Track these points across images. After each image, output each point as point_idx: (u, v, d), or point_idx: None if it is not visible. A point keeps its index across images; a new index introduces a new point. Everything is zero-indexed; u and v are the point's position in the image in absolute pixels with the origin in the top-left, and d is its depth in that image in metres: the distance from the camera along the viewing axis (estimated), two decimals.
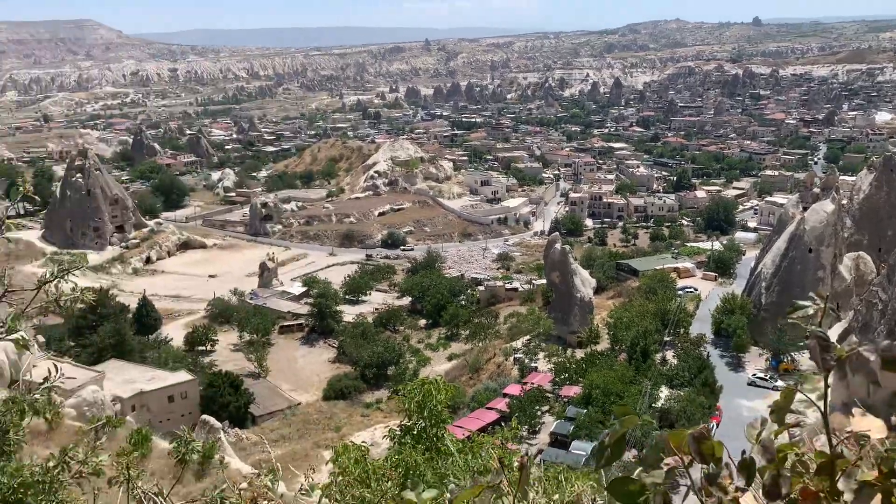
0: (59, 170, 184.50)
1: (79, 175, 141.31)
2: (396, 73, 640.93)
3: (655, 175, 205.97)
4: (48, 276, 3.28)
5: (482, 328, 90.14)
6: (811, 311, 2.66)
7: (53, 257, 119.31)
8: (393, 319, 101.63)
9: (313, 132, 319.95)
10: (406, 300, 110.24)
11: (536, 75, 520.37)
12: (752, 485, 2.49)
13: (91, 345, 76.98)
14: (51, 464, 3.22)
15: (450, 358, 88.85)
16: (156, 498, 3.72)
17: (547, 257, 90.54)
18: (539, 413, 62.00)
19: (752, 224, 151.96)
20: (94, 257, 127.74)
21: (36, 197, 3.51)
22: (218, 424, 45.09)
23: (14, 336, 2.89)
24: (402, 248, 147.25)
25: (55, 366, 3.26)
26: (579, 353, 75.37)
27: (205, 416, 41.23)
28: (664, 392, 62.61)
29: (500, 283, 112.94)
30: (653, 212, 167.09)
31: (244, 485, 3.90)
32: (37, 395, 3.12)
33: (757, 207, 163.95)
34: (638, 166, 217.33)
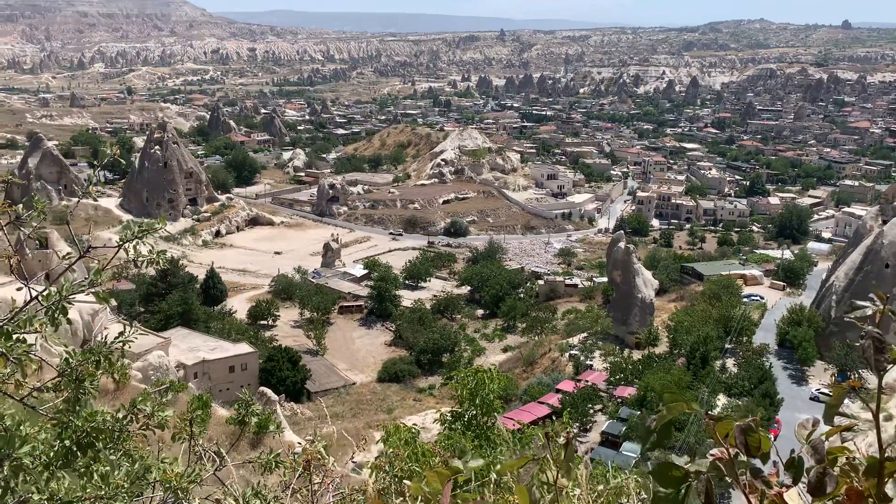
0: (140, 141, 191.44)
1: (157, 147, 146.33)
2: (469, 62, 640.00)
3: (728, 178, 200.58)
4: (129, 235, 3.48)
5: (539, 322, 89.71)
6: (869, 312, 2.61)
7: (129, 224, 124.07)
8: (450, 307, 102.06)
9: (383, 117, 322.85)
10: (465, 289, 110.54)
11: (611, 70, 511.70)
12: (799, 484, 2.47)
13: (159, 312, 79.92)
14: (120, 414, 3.42)
15: (505, 350, 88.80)
16: (215, 456, 3.91)
17: (610, 255, 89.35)
18: (591, 411, 61.44)
19: (826, 234, 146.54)
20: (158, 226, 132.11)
21: (122, 161, 3.72)
22: (275, 397, 46.33)
23: (96, 289, 3.09)
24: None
25: (130, 323, 3.46)
26: (636, 355, 74.24)
27: (262, 388, 42.53)
28: (721, 400, 61.20)
29: (560, 279, 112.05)
30: (722, 216, 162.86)
31: (299, 449, 4.04)
32: (114, 347, 3.32)
33: (833, 218, 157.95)
34: (710, 168, 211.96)
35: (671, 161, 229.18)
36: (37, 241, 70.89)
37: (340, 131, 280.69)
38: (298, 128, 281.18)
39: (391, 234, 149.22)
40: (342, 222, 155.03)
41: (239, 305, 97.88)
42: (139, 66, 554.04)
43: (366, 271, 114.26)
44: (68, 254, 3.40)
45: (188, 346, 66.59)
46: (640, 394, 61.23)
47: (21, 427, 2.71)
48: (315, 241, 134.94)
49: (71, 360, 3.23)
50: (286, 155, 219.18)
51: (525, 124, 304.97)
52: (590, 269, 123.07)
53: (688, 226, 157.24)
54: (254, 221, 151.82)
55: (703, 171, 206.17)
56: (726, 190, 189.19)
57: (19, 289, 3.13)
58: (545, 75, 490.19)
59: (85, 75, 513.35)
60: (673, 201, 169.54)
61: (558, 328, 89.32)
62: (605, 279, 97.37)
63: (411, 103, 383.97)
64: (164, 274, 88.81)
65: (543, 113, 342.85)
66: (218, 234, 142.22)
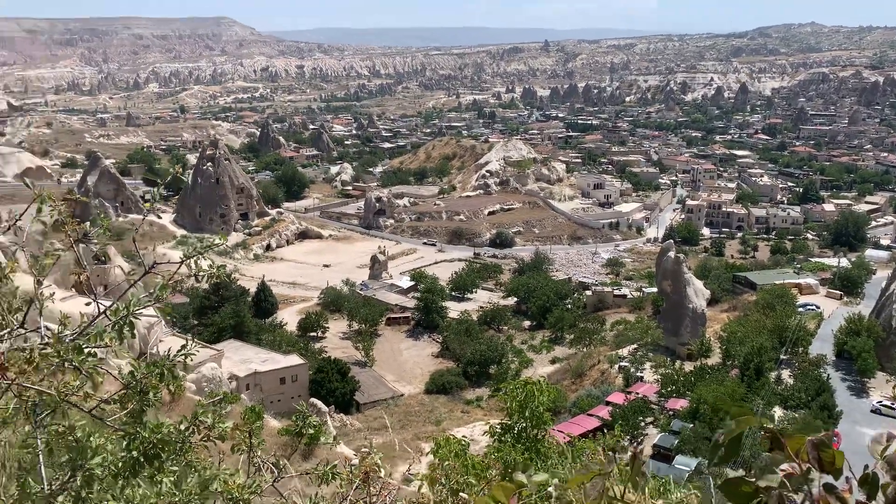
0: (192, 158, 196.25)
1: (209, 164, 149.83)
2: (513, 73, 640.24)
3: (780, 185, 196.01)
4: (191, 251, 3.57)
5: (587, 333, 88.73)
6: None
7: (183, 240, 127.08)
8: (497, 319, 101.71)
9: (429, 130, 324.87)
10: (511, 300, 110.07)
11: (657, 78, 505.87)
12: (873, 501, 2.40)
13: (212, 324, 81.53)
14: (183, 426, 3.50)
15: (553, 361, 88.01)
16: (273, 467, 3.98)
17: (659, 265, 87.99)
18: (642, 424, 60.42)
19: (885, 241, 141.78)
20: (217, 242, 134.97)
21: (183, 178, 3.82)
22: (325, 408, 46.87)
23: (160, 304, 3.20)
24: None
25: (190, 337, 3.56)
26: (688, 366, 72.82)
27: (313, 400, 43.05)
28: (777, 413, 59.53)
29: (608, 289, 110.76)
30: (775, 224, 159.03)
31: (355, 461, 4.08)
32: (175, 361, 3.41)
33: (892, 224, 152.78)
34: (762, 175, 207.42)
35: (721, 168, 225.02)
36: (94, 256, 73.08)
37: (386, 145, 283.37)
38: (346, 142, 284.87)
39: (424, 242, 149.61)
40: (389, 234, 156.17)
41: (289, 318, 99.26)
42: (191, 86, 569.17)
43: (412, 283, 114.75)
44: (132, 270, 3.52)
45: (240, 358, 67.73)
46: (692, 406, 59.98)
47: (91, 438, 2.81)
48: (362, 253, 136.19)
49: (136, 372, 3.32)
50: (334, 169, 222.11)
51: (570, 134, 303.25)
52: (639, 279, 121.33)
53: (739, 234, 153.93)
54: (303, 235, 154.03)
55: (754, 179, 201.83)
56: (779, 197, 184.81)
57: (88, 304, 3.24)
58: (590, 84, 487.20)
59: (140, 95, 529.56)
60: (724, 209, 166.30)
61: (607, 339, 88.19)
62: (654, 289, 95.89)
63: (456, 116, 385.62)
64: (216, 287, 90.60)
65: (589, 122, 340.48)
66: (268, 247, 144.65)
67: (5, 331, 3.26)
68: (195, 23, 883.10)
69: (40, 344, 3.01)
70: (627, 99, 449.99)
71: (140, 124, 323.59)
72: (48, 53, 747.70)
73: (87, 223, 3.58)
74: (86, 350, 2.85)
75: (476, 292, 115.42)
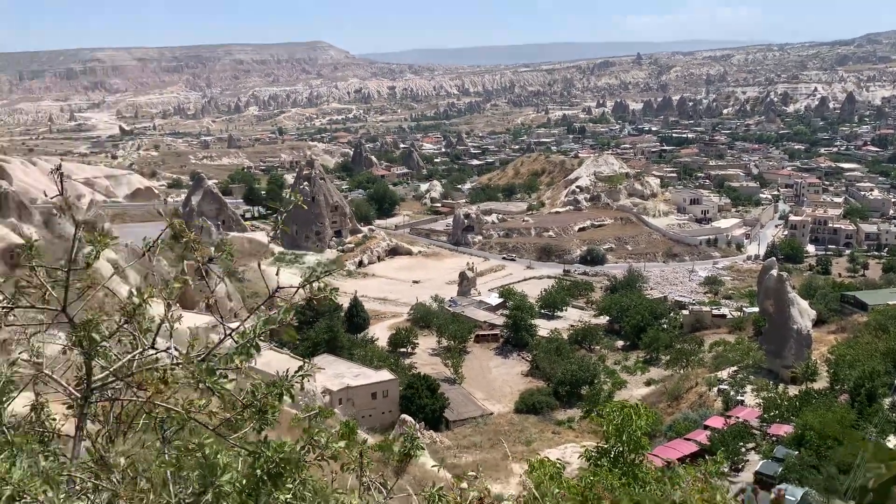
0: (289, 178, 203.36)
1: (305, 183, 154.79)
2: (604, 87, 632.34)
3: (892, 200, 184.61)
4: (311, 275, 3.69)
5: (684, 354, 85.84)
6: None
7: (280, 257, 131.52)
8: (589, 338, 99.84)
9: (517, 147, 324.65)
10: (603, 319, 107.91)
11: (757, 89, 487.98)
12: None
13: (307, 339, 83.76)
14: (299, 445, 3.60)
15: (647, 383, 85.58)
16: (382, 487, 4.03)
17: (761, 284, 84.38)
18: (743, 450, 57.80)
19: None
20: (313, 259, 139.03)
21: (304, 206, 3.97)
22: (415, 424, 47.20)
23: (285, 326, 3.33)
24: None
25: (309, 358, 3.67)
26: (792, 390, 69.26)
27: (404, 416, 43.44)
28: (892, 442, 55.69)
29: (706, 309, 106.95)
30: (888, 240, 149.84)
31: (464, 484, 4.09)
32: (294, 381, 3.52)
33: None
34: (871, 189, 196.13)
35: (826, 182, 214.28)
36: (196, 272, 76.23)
37: (475, 162, 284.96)
38: (435, 160, 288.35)
39: (512, 258, 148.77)
40: (477, 251, 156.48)
41: (380, 333, 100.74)
42: (289, 108, 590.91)
43: (501, 300, 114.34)
44: (255, 293, 3.66)
45: (334, 373, 69.19)
46: (797, 432, 56.91)
47: (218, 456, 2.93)
48: (451, 269, 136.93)
49: (257, 392, 3.45)
50: (423, 187, 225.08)
51: (664, 148, 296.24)
52: (739, 298, 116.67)
53: (848, 251, 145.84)
54: (393, 251, 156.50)
55: (863, 193, 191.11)
56: (891, 212, 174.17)
57: (214, 325, 3.40)
58: (685, 97, 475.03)
59: (241, 118, 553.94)
60: (830, 225, 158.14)
61: (705, 361, 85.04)
62: (755, 309, 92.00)
63: (545, 132, 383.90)
64: (310, 302, 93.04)
65: (684, 136, 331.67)
66: (361, 263, 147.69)
67: (137, 351, 3.45)
68: (292, 47, 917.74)
69: (172, 364, 3.18)
70: (725, 111, 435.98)
71: (241, 146, 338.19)
72: (157, 80, 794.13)
73: (213, 248, 3.76)
74: (218, 372, 2.99)
75: (566, 310, 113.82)
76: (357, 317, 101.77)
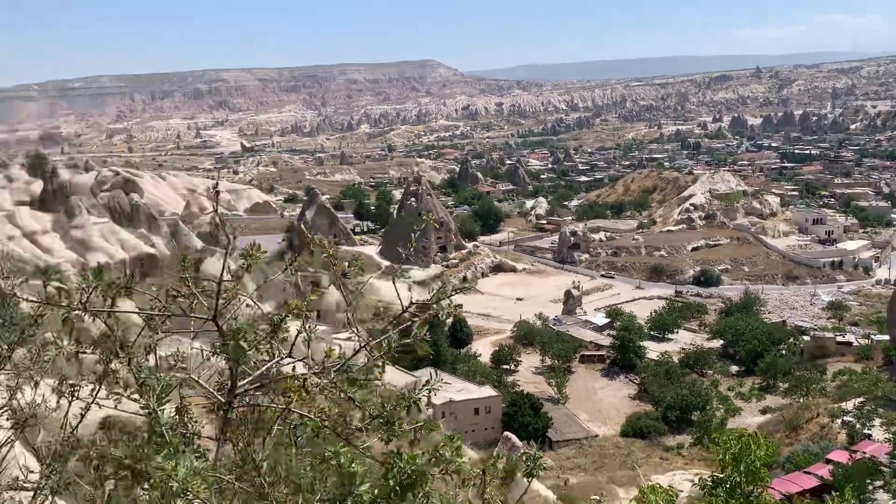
0: (397, 194, 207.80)
1: (412, 199, 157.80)
2: (721, 102, 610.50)
3: None
4: (443, 292, 3.76)
5: (805, 383, 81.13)
6: None
7: (387, 271, 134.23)
8: (701, 362, 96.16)
9: (627, 163, 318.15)
10: (717, 343, 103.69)
11: (889, 103, 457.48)
12: None
13: (412, 352, 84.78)
14: (423, 459, 3.65)
15: (763, 411, 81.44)
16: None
17: (891, 310, 78.68)
18: (871, 488, 53.80)
19: None
20: (418, 273, 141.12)
21: (437, 225, 4.06)
22: (519, 443, 46.88)
23: (419, 341, 3.41)
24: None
25: (435, 371, 3.73)
26: None
27: (507, 434, 43.25)
28: None
29: (829, 335, 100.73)
30: None
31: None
32: (422, 395, 3.59)
33: None
34: None
35: None
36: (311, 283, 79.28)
37: (583, 178, 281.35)
38: (541, 176, 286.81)
39: (619, 277, 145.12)
40: (583, 269, 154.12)
41: (483, 349, 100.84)
42: (398, 126, 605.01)
43: (608, 320, 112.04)
44: (387, 307, 3.76)
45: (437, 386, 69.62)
46: None
47: (353, 465, 3.03)
48: (556, 287, 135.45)
49: (386, 403, 3.54)
50: (529, 203, 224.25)
51: (785, 165, 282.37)
52: (866, 325, 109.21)
53: None
54: (497, 268, 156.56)
55: None
56: None
57: (348, 338, 3.52)
58: (808, 112, 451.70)
59: (353, 136, 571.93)
60: None
61: (828, 391, 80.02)
62: (885, 337, 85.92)
63: (657, 147, 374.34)
64: (414, 315, 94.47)
65: (807, 152, 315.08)
66: (464, 279, 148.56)
67: (275, 359, 3.62)
68: (403, 66, 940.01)
69: (311, 373, 3.33)
70: (852, 126, 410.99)
71: (352, 162, 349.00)
72: (276, 99, 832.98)
73: (346, 263, 3.89)
74: (358, 382, 3.10)
75: (677, 333, 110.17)
76: (460, 332, 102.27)
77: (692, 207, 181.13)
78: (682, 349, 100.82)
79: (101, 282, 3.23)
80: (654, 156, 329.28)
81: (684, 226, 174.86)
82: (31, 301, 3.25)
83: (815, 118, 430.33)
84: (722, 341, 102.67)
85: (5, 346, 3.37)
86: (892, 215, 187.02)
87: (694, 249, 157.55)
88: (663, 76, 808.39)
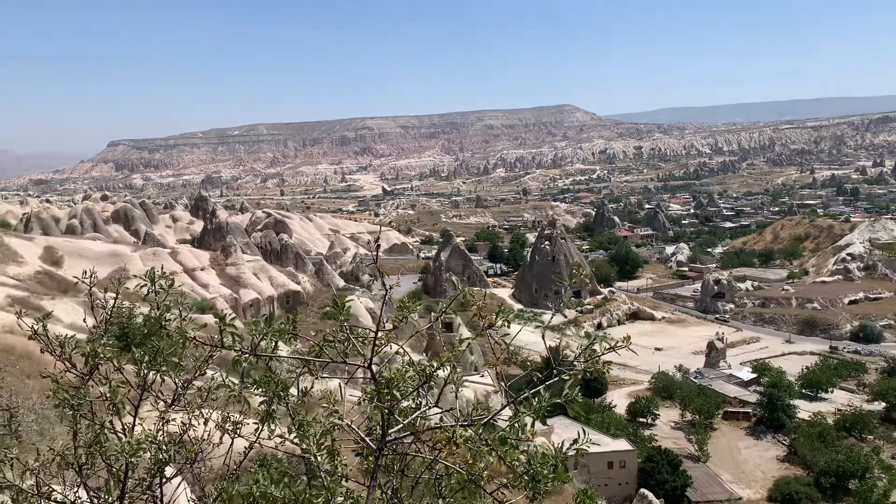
0: (531, 237, 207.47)
1: (547, 243, 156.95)
2: (882, 145, 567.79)
3: None
4: (596, 349, 3.70)
5: None
6: None
7: (520, 314, 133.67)
8: (860, 425, 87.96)
9: (776, 209, 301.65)
10: (879, 405, 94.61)
11: None
12: None
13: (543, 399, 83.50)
14: None
15: None
16: None
17: None
18: None
19: None
20: (552, 318, 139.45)
21: (587, 280, 4.03)
22: (656, 501, 44.61)
23: (571, 402, 3.37)
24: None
25: (584, 430, 3.65)
26: None
27: (644, 491, 41.23)
28: None
29: None
30: None
31: None
32: (569, 454, 3.51)
33: None
34: None
35: None
36: (444, 324, 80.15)
37: (727, 224, 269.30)
38: (682, 222, 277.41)
39: (766, 329, 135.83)
40: (728, 320, 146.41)
41: (618, 400, 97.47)
42: (534, 170, 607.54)
43: (754, 375, 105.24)
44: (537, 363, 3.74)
45: (568, 437, 67.75)
46: None
47: None
48: (698, 338, 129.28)
49: (533, 461, 3.49)
50: (669, 249, 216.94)
51: None
52: None
53: None
54: (634, 315, 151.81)
55: None
56: None
57: (494, 391, 3.53)
58: None
59: (488, 179, 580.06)
60: None
61: None
62: None
63: (809, 193, 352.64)
64: (548, 362, 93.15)
65: None
66: (599, 326, 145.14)
67: (423, 409, 3.68)
68: (540, 111, 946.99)
69: (460, 424, 3.35)
70: None
71: (487, 206, 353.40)
72: (416, 145, 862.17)
73: (494, 315, 3.92)
74: (509, 441, 3.10)
75: (832, 392, 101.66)
76: (595, 381, 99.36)
77: (849, 257, 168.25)
78: (838, 410, 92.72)
79: (271, 329, 3.44)
80: (807, 202, 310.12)
81: (840, 277, 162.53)
82: (208, 344, 3.51)
83: None
84: (884, 404, 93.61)
85: (180, 384, 3.66)
86: None
87: (851, 302, 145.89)
88: (816, 118, 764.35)
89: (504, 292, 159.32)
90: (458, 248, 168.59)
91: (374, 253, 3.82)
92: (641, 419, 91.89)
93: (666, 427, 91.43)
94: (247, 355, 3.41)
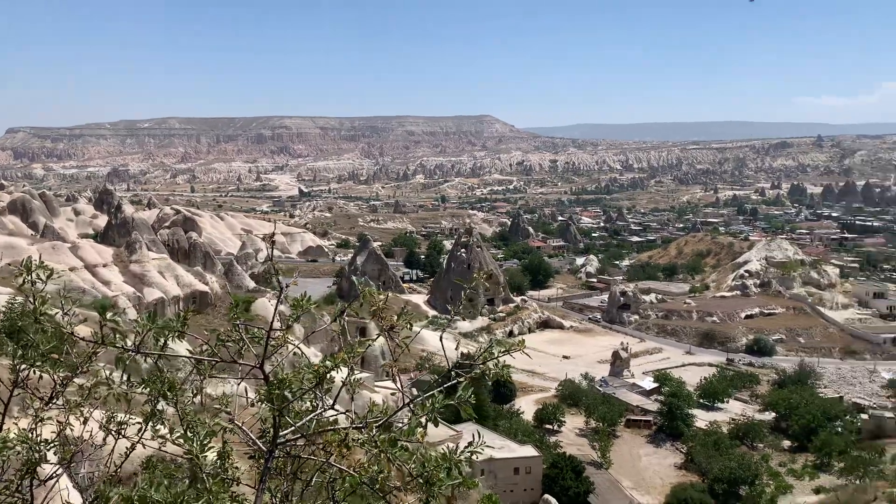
0: (448, 244, 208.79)
1: (463, 250, 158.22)
2: (780, 169, 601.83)
3: None
4: (493, 352, 3.73)
5: (862, 463, 77.21)
6: None
7: (434, 320, 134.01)
8: (751, 434, 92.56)
9: (681, 225, 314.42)
10: (769, 415, 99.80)
11: None
12: None
13: (453, 405, 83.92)
14: None
15: (817, 491, 77.49)
16: None
17: None
18: None
19: None
20: (465, 325, 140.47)
21: (486, 285, 4.06)
22: None
23: (464, 403, 3.39)
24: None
25: (478, 433, 3.67)
26: None
27: (547, 497, 41.99)
28: None
29: (889, 415, 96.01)
30: None
31: None
32: (462, 457, 3.52)
33: None
34: None
35: None
36: (357, 329, 79.61)
37: (635, 238, 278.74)
38: (593, 234, 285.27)
39: (667, 341, 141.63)
40: (632, 331, 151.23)
41: (526, 406, 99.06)
42: (453, 178, 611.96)
43: (656, 385, 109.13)
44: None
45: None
46: None
47: None
48: (603, 348, 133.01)
49: (427, 464, 3.48)
50: (579, 260, 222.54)
51: (846, 235, 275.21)
52: None
53: None
54: (545, 324, 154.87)
55: None
56: None
57: (392, 393, 3.49)
58: (871, 183, 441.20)
59: (407, 185, 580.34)
60: None
61: (887, 474, 75.89)
62: None
63: (712, 211, 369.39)
64: (460, 367, 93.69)
65: (869, 223, 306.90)
66: (511, 333, 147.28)
67: (318, 411, 3.62)
68: (461, 120, 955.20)
69: (352, 427, 3.30)
70: None
71: (405, 211, 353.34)
72: (335, 147, 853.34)
73: (396, 317, 3.90)
74: (399, 443, 3.08)
75: (727, 402, 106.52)
76: (504, 387, 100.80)
77: (747, 274, 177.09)
78: (732, 419, 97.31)
79: (155, 325, 3.30)
80: (710, 220, 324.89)
81: (738, 292, 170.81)
82: (88, 340, 3.34)
83: (878, 190, 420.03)
84: (774, 414, 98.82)
85: (58, 382, 3.46)
86: None
87: (748, 317, 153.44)
88: (721, 140, 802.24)
89: (420, 298, 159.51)
90: (375, 252, 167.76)
91: (269, 247, 3.72)
92: (548, 426, 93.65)
93: (571, 434, 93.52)
94: (130, 353, 3.27)
